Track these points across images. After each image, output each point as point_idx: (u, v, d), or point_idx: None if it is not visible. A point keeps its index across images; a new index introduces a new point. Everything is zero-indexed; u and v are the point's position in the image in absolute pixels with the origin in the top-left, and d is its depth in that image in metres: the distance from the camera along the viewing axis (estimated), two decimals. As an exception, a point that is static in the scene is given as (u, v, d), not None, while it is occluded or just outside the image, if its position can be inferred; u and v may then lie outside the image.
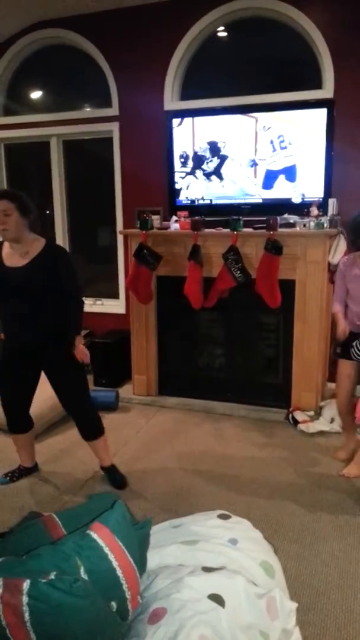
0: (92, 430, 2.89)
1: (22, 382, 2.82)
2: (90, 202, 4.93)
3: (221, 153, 3.94)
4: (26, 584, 1.11)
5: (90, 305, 4.92)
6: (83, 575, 1.20)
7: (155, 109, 4.28)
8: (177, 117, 4.04)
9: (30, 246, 2.61)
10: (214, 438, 3.54)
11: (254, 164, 3.89)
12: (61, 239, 4.96)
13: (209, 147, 3.97)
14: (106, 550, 1.25)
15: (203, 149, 3.98)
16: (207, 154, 3.97)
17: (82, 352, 2.70)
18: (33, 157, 5.07)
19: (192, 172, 4.05)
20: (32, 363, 2.77)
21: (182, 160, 4.05)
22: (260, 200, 3.92)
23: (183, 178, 4.08)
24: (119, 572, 1.25)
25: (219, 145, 3.95)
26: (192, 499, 2.80)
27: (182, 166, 4.06)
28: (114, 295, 4.83)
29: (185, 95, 4.30)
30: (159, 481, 3.00)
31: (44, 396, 3.12)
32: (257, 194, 3.93)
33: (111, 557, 1.25)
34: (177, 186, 4.11)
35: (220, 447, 3.41)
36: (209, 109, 4.04)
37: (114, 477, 2.95)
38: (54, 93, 4.83)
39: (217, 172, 3.99)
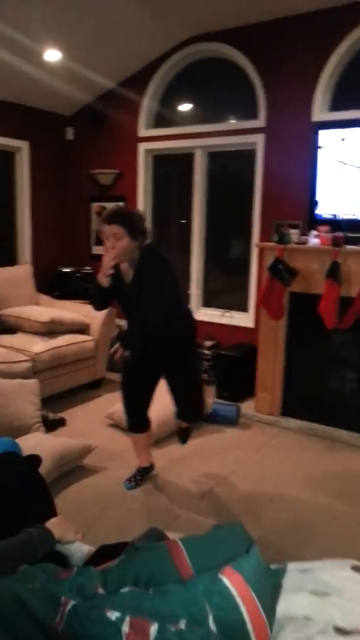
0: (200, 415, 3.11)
1: (144, 385, 2.90)
2: (227, 213, 4.93)
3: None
4: (154, 628, 1.05)
5: (219, 316, 4.91)
6: (211, 624, 1.12)
7: (303, 120, 4.16)
8: (325, 128, 3.89)
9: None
10: (338, 469, 3.32)
11: None
12: (197, 248, 5.01)
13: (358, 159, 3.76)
14: (238, 600, 1.16)
15: (351, 161, 3.77)
16: (356, 167, 3.76)
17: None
18: (175, 167, 5.20)
19: (335, 186, 3.86)
20: (155, 365, 2.84)
21: (327, 173, 3.88)
22: None
23: (325, 192, 3.90)
24: (249, 626, 1.15)
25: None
26: (312, 534, 2.62)
27: (326, 180, 3.89)
28: (243, 308, 4.76)
29: (335, 107, 4.12)
30: (276, 508, 2.86)
31: (170, 403, 3.13)
32: None
33: (243, 608, 1.16)
34: (318, 200, 3.94)
35: (343, 480, 3.18)
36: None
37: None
38: (201, 106, 4.91)
39: (364, 187, 3.76)
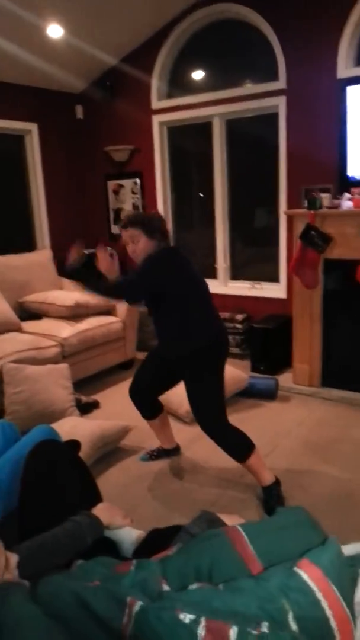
0: (234, 454, 2.55)
1: (158, 378, 2.80)
2: (250, 182, 4.75)
3: None
4: (233, 632, 0.95)
5: (249, 289, 4.77)
6: (291, 622, 1.02)
7: (327, 78, 3.94)
8: (352, 84, 3.67)
9: None
10: (385, 439, 3.19)
11: None
12: (220, 221, 4.85)
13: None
14: (319, 595, 1.05)
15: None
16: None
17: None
18: (193, 138, 5.02)
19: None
20: (174, 367, 2.66)
21: (356, 131, 3.67)
22: None
23: (356, 152, 3.70)
24: (332, 622, 1.04)
25: None
26: (364, 506, 2.51)
27: (356, 138, 3.68)
28: (274, 279, 4.61)
29: (361, 60, 3.89)
30: (323, 483, 2.75)
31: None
32: None
33: (324, 604, 1.05)
34: (349, 161, 3.74)
35: (393, 450, 3.06)
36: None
37: (268, 500, 2.54)
38: (216, 71, 4.69)
39: None
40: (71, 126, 5.44)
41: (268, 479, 2.56)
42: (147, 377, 2.81)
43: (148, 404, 2.88)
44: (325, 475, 2.82)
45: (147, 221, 2.52)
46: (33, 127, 5.07)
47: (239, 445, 2.53)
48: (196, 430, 3.36)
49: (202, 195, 5.05)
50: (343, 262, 3.57)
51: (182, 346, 2.51)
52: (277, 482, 2.58)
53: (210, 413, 2.52)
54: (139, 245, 2.50)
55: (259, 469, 2.55)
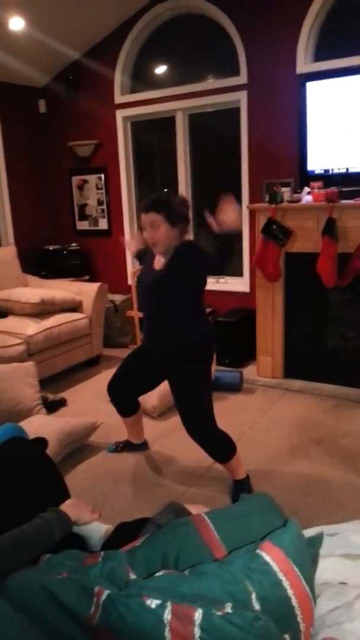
0: (219, 456, 2.57)
1: (142, 378, 2.76)
2: (213, 177, 4.79)
3: (360, 117, 3.59)
4: (198, 614, 0.98)
5: (213, 283, 4.81)
6: (254, 602, 1.06)
7: (286, 74, 4.01)
8: (310, 80, 3.74)
9: None
10: (347, 428, 3.29)
11: None
12: (184, 215, 4.88)
13: (347, 110, 3.63)
14: (280, 575, 1.09)
15: (340, 112, 3.64)
16: (345, 118, 3.64)
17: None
18: (156, 133, 5.03)
19: (325, 139, 3.74)
20: (159, 368, 2.61)
21: (316, 126, 3.75)
22: None
23: (315, 147, 3.78)
24: (294, 601, 1.09)
25: None
26: (326, 497, 2.59)
27: (315, 134, 3.76)
28: (238, 273, 4.67)
29: (320, 57, 3.96)
30: (288, 471, 2.83)
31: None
32: None
33: (286, 583, 1.09)
34: (309, 156, 3.82)
35: (354, 439, 3.15)
36: (349, 69, 3.66)
37: (238, 492, 2.53)
38: (178, 66, 4.71)
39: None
40: (34, 121, 5.37)
41: (242, 473, 2.61)
42: (130, 377, 2.77)
43: (128, 402, 2.89)
44: (289, 464, 2.90)
45: (170, 207, 2.34)
46: (-6, 121, 4.99)
47: (225, 449, 2.55)
48: (163, 425, 3.42)
49: (166, 190, 5.06)
50: (303, 255, 3.65)
51: (189, 339, 2.43)
52: (248, 477, 2.64)
53: (202, 416, 2.49)
54: (158, 232, 2.32)
55: (237, 467, 2.59)
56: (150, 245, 2.41)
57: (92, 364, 4.56)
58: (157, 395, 3.44)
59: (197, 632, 0.96)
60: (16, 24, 4.08)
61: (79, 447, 3.13)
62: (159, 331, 2.52)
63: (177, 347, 2.46)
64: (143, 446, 3.14)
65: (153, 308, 2.51)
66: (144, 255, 2.66)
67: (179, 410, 2.54)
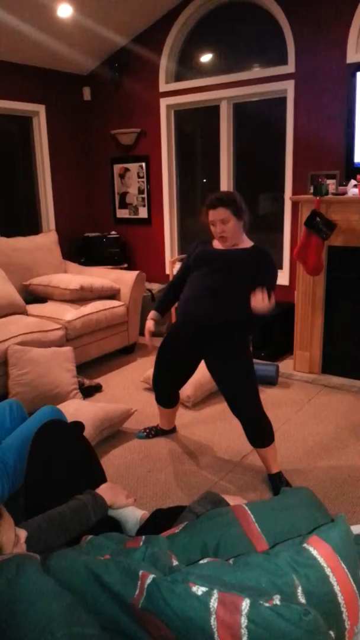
0: (260, 439, 2.57)
1: (177, 364, 2.79)
2: (256, 168, 4.73)
3: None
4: (245, 604, 0.97)
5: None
6: (300, 596, 1.04)
7: (336, 63, 3.91)
8: (361, 69, 3.64)
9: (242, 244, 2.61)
10: (385, 426, 3.22)
11: None
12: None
13: None
14: (327, 571, 1.07)
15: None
16: None
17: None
18: (200, 122, 4.98)
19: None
20: (192, 349, 2.67)
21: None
22: None
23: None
24: (340, 598, 1.06)
25: None
26: (364, 490, 2.56)
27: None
28: (277, 265, 4.58)
29: (371, 45, 3.85)
30: (322, 468, 2.79)
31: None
32: None
33: (333, 579, 1.07)
34: (357, 147, 3.72)
35: (393, 436, 3.09)
36: None
37: (276, 485, 2.59)
38: (225, 54, 4.65)
39: None
40: (78, 108, 5.40)
41: (276, 466, 2.61)
42: (170, 366, 2.82)
43: (169, 394, 2.95)
44: (324, 461, 2.86)
45: (235, 202, 2.51)
46: (41, 109, 5.04)
47: (267, 431, 2.56)
48: (196, 414, 3.41)
49: (205, 180, 5.03)
50: (347, 250, 3.58)
51: (243, 312, 2.45)
52: (281, 472, 2.63)
53: (249, 391, 2.53)
54: (228, 226, 2.50)
55: (273, 458, 2.60)
56: (218, 238, 2.56)
57: (128, 351, 4.59)
58: (192, 385, 3.44)
59: (243, 621, 0.95)
60: (64, 10, 4.09)
61: (113, 432, 3.16)
62: (214, 299, 2.52)
63: (230, 317, 2.50)
64: (171, 431, 3.20)
65: (215, 277, 2.53)
66: (194, 249, 2.72)
67: (223, 387, 2.59)
